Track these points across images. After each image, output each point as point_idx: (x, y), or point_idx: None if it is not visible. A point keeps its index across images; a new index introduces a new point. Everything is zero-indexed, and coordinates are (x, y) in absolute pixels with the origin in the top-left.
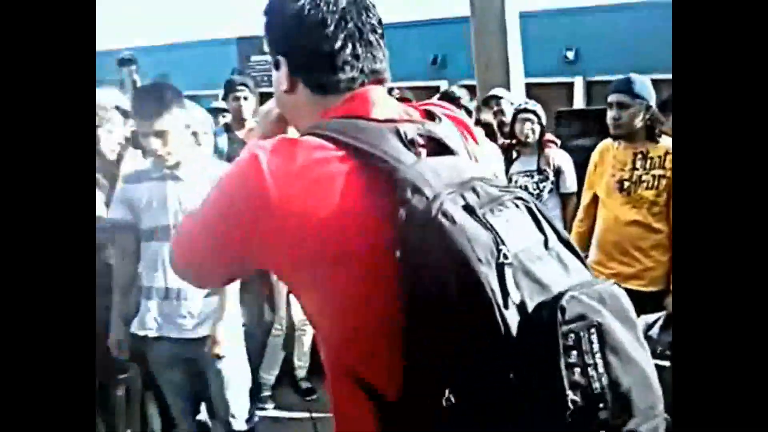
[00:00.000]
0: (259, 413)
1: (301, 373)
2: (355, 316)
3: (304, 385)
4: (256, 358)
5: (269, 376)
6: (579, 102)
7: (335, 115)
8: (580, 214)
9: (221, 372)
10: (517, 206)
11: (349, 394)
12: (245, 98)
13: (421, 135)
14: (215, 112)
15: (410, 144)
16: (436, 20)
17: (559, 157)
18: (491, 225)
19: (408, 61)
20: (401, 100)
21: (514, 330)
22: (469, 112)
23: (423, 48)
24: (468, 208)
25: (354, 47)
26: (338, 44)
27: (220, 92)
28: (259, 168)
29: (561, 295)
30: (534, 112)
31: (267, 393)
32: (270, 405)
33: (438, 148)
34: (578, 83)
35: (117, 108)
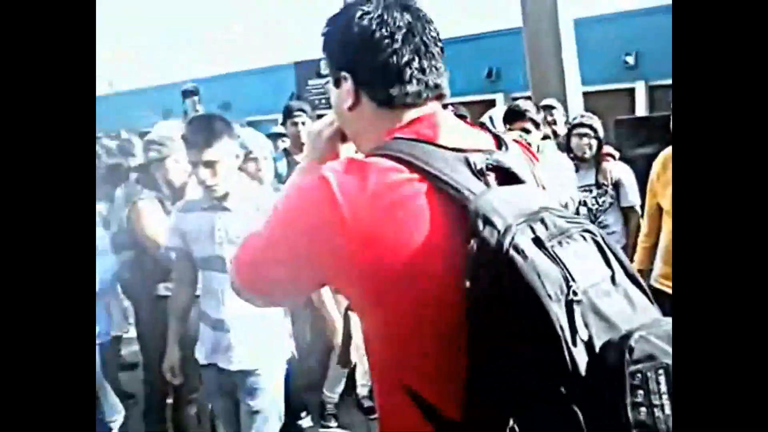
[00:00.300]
0: (322, 431)
1: (363, 391)
2: (418, 340)
3: (367, 403)
4: (318, 377)
5: (332, 395)
6: (641, 108)
7: (401, 135)
8: (644, 227)
9: (254, 407)
10: (584, 239)
11: (403, 408)
12: (303, 123)
13: (489, 164)
14: (274, 137)
15: (479, 174)
16: (489, 33)
17: (617, 170)
18: (560, 259)
19: (462, 75)
20: (457, 117)
21: (581, 367)
22: (536, 125)
23: (476, 61)
24: (537, 241)
25: (420, 61)
26: (406, 58)
27: (279, 117)
28: (331, 190)
29: (629, 334)
30: (590, 126)
31: (331, 411)
32: (333, 423)
33: (506, 177)
34: (640, 89)
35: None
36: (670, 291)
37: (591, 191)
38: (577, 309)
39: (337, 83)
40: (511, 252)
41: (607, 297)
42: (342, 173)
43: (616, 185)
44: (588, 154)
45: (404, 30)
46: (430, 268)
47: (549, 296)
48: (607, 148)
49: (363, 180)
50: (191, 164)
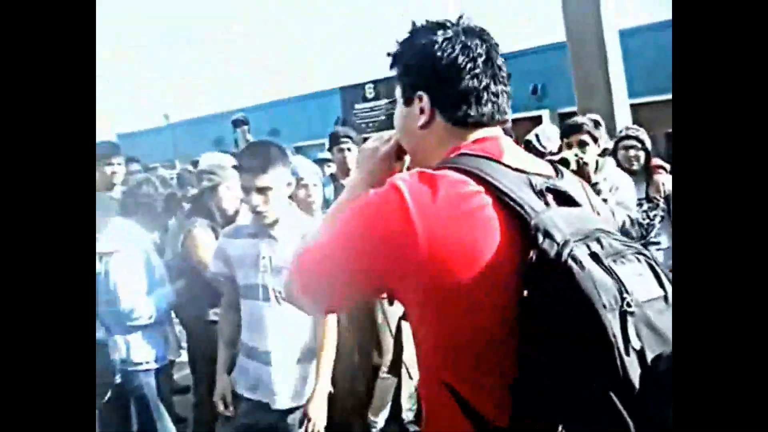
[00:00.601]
0: None
1: (408, 415)
2: (471, 346)
3: (412, 428)
4: (363, 401)
5: (377, 419)
6: None
7: (467, 151)
8: None
9: None
10: (638, 260)
11: (444, 403)
12: (349, 149)
13: (548, 187)
14: (321, 162)
15: (540, 194)
16: (532, 49)
17: (670, 182)
18: (616, 274)
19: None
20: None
21: (632, 376)
22: (594, 139)
23: (521, 78)
24: (594, 256)
25: (496, 85)
26: (485, 82)
27: (326, 142)
28: (403, 199)
29: None
30: (637, 138)
31: None
32: None
33: (563, 200)
34: None
35: (234, 167)
36: None
37: (641, 205)
38: (630, 320)
39: (409, 102)
40: (570, 262)
41: (660, 314)
42: (414, 183)
43: (668, 199)
44: (636, 167)
45: (484, 57)
46: (492, 278)
47: (604, 305)
48: (657, 160)
49: (434, 190)
50: (244, 190)
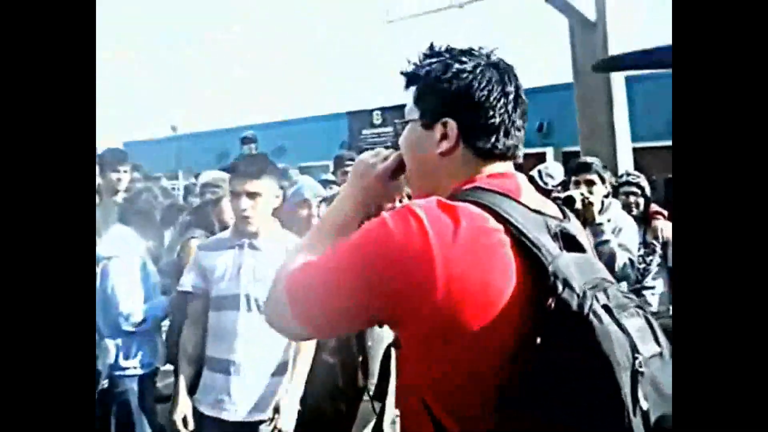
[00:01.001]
0: None
1: None
2: (466, 383)
3: None
4: (343, 421)
5: None
6: None
7: (483, 185)
8: None
9: None
10: (638, 314)
11: (420, 419)
12: None
13: (560, 230)
14: (324, 183)
15: (555, 237)
16: (542, 87)
17: (668, 229)
18: (627, 329)
19: None
20: None
21: None
22: (602, 179)
23: (529, 114)
24: (607, 309)
25: (520, 119)
26: (509, 114)
27: (330, 164)
28: (423, 226)
29: None
30: (637, 185)
31: None
32: None
33: (571, 244)
34: None
35: (229, 171)
36: None
37: (638, 250)
38: (641, 380)
39: (429, 126)
40: (591, 317)
41: (661, 372)
42: (435, 212)
43: (665, 245)
44: (635, 212)
45: (513, 94)
46: (503, 320)
47: (619, 363)
48: (655, 207)
49: (456, 223)
50: (234, 194)
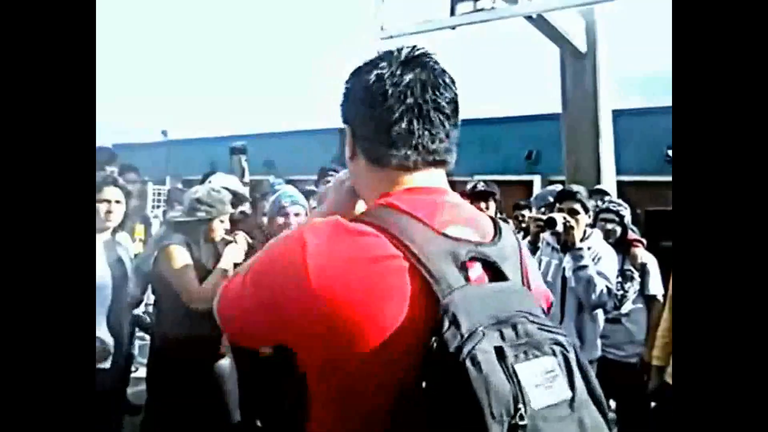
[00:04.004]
0: None
1: None
2: (361, 414)
3: None
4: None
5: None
6: None
7: (397, 203)
8: (665, 322)
9: None
10: (553, 353)
11: None
12: None
13: (474, 257)
14: (308, 194)
15: (461, 267)
16: (532, 116)
17: (646, 257)
18: (517, 376)
19: (504, 154)
20: (484, 192)
21: None
22: (585, 209)
23: (519, 142)
24: (499, 352)
25: (410, 122)
26: (395, 117)
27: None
28: (304, 252)
29: None
30: (616, 213)
31: None
32: None
33: (491, 271)
34: None
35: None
36: None
37: (616, 278)
38: None
39: (345, 132)
40: (467, 363)
41: (558, 422)
42: (321, 235)
43: (643, 273)
44: (611, 239)
45: (399, 89)
46: (395, 350)
47: (492, 415)
48: (634, 235)
49: (341, 246)
50: None
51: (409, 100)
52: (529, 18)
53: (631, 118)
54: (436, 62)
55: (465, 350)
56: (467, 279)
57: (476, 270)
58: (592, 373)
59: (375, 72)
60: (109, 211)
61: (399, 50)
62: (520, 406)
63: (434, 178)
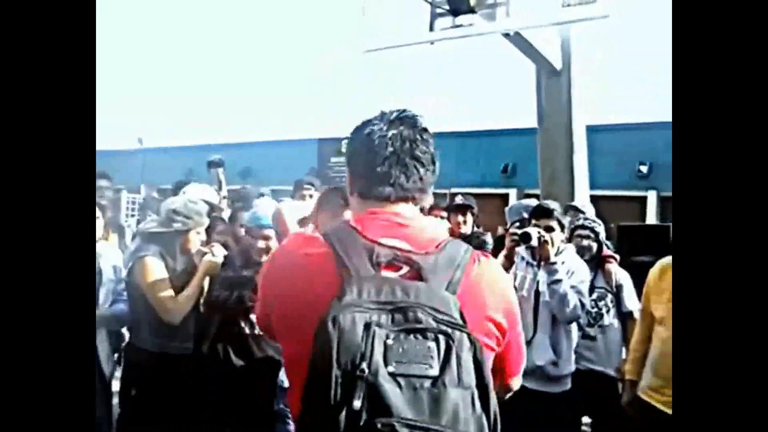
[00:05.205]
0: None
1: None
2: (295, 369)
3: None
4: None
5: None
6: (652, 218)
7: (353, 221)
8: (637, 335)
9: None
10: (436, 340)
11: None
12: (310, 196)
13: (395, 259)
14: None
15: (376, 265)
16: (508, 130)
17: (620, 273)
18: (373, 343)
19: (480, 167)
20: (462, 206)
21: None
22: (561, 226)
23: (495, 156)
24: (367, 325)
25: (390, 166)
26: (378, 161)
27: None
28: (276, 251)
29: (392, 425)
30: (591, 229)
31: None
32: None
33: (416, 273)
34: (651, 198)
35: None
36: (658, 405)
37: (591, 294)
38: (360, 384)
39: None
40: (328, 321)
41: (409, 390)
42: (287, 242)
43: (618, 289)
44: (587, 255)
45: (385, 141)
46: (302, 314)
47: (339, 363)
48: (608, 251)
49: (291, 248)
50: None
51: (389, 150)
52: (506, 35)
53: (604, 134)
54: (418, 122)
55: (332, 314)
56: (378, 272)
57: (402, 271)
58: (488, 373)
59: (369, 128)
60: None
61: (390, 112)
62: (365, 361)
63: (402, 208)
